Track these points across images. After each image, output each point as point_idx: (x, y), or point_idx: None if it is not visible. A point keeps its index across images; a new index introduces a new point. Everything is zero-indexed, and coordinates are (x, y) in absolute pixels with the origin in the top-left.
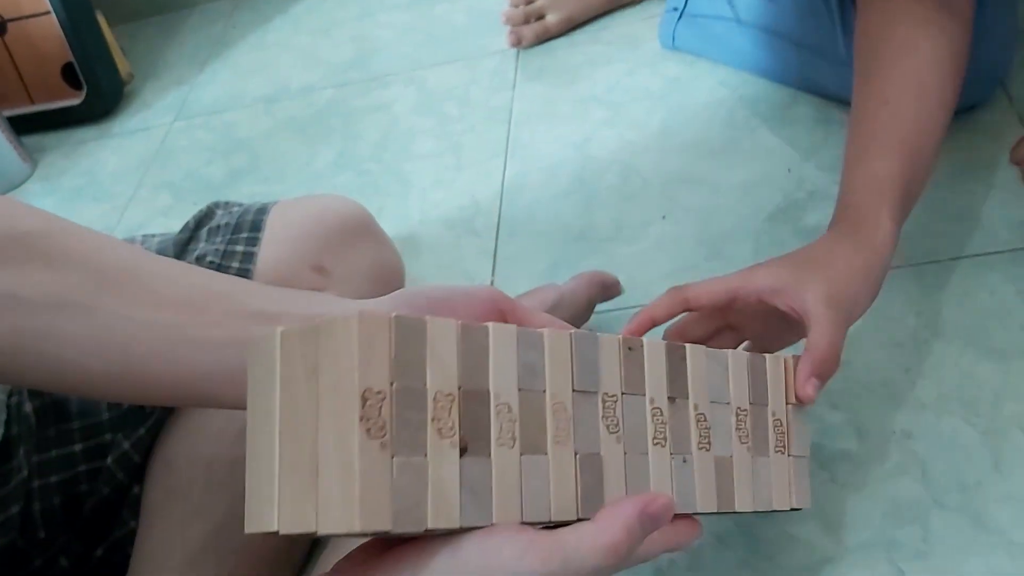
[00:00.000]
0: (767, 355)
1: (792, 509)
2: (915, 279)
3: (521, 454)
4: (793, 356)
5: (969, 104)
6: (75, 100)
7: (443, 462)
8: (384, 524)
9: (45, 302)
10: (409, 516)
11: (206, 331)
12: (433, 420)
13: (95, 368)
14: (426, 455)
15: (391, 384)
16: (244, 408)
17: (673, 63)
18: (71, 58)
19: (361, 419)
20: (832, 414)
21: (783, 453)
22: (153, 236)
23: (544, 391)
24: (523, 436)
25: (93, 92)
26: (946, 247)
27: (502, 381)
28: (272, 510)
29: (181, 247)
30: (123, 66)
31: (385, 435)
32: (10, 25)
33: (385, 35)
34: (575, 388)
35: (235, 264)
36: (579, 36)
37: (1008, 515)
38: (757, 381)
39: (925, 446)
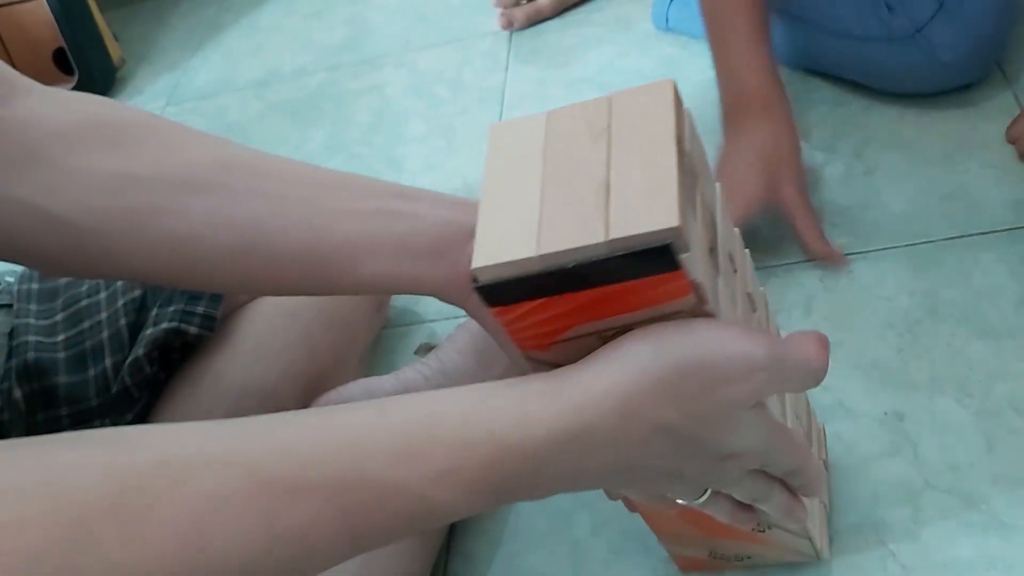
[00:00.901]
0: None
1: None
2: (908, 259)
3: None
4: None
5: (967, 82)
6: (67, 86)
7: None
8: (675, 221)
9: (168, 180)
10: (688, 232)
11: (348, 203)
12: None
13: (224, 244)
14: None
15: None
16: (374, 291)
17: (666, 44)
18: (62, 43)
19: (679, 151)
20: (823, 395)
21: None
22: None
23: None
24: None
25: (85, 77)
26: (940, 227)
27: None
28: (532, 239)
29: None
30: (115, 51)
31: (685, 173)
32: (0, 11)
33: (377, 17)
34: None
35: None
36: (571, 18)
37: (1000, 496)
38: None
39: (917, 427)
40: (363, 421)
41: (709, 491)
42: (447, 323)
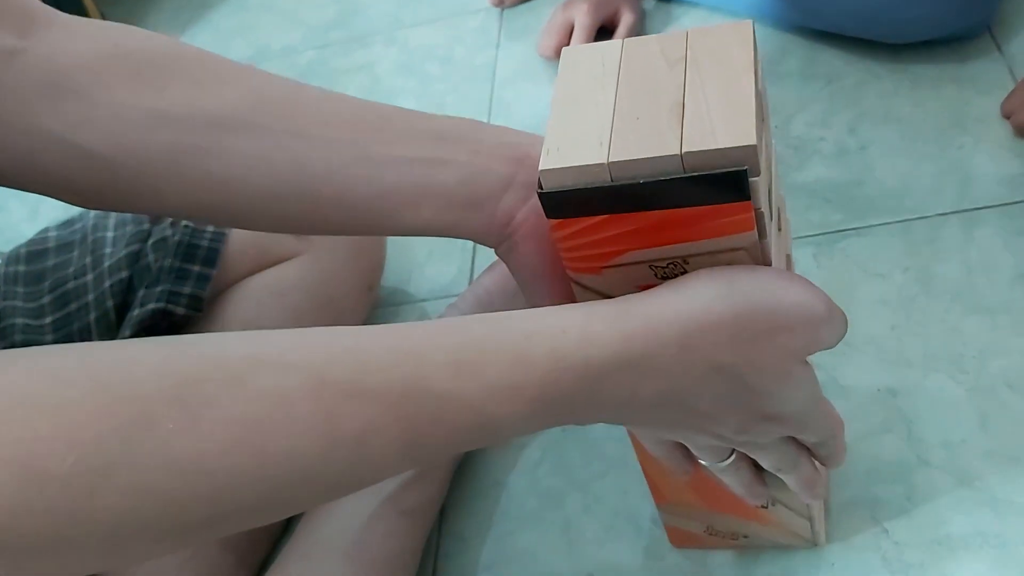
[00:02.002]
0: None
1: None
2: (903, 235)
3: None
4: None
5: (957, 32)
6: None
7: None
8: (752, 140)
9: (203, 119)
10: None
11: (387, 148)
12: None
13: (263, 186)
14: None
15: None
16: (413, 235)
17: (659, 18)
18: None
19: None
20: (816, 372)
21: None
22: None
23: None
24: None
25: None
26: (935, 202)
27: None
28: (602, 147)
29: (152, 222)
30: None
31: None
32: None
33: None
34: None
35: (210, 228)
36: None
37: (993, 472)
38: None
39: (910, 404)
40: (424, 333)
41: (734, 456)
42: (439, 302)
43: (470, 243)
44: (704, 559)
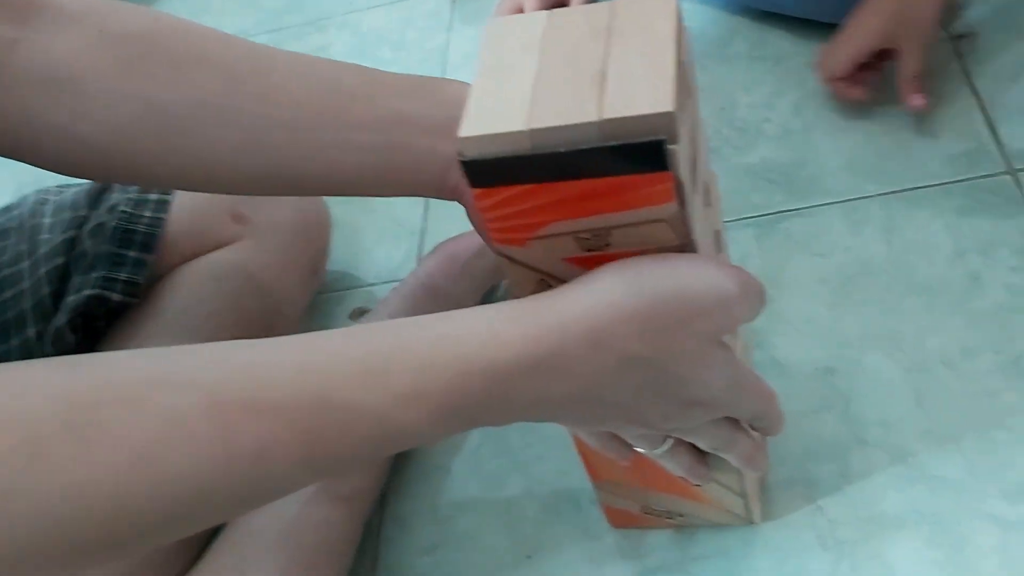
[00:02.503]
0: None
1: None
2: (843, 215)
3: None
4: None
5: None
6: None
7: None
8: (670, 106)
9: (185, 105)
10: (679, 127)
11: (357, 134)
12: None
13: (250, 170)
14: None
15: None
16: (397, 194)
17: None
18: None
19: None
20: (756, 352)
21: None
22: (69, 187)
23: None
24: None
25: None
26: (876, 183)
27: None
28: (522, 115)
29: (95, 196)
30: None
31: (682, 78)
32: None
33: None
34: None
35: (147, 214)
36: None
37: (927, 450)
38: None
39: (848, 383)
40: (328, 344)
41: (670, 442)
42: (386, 286)
43: (418, 226)
44: (642, 538)
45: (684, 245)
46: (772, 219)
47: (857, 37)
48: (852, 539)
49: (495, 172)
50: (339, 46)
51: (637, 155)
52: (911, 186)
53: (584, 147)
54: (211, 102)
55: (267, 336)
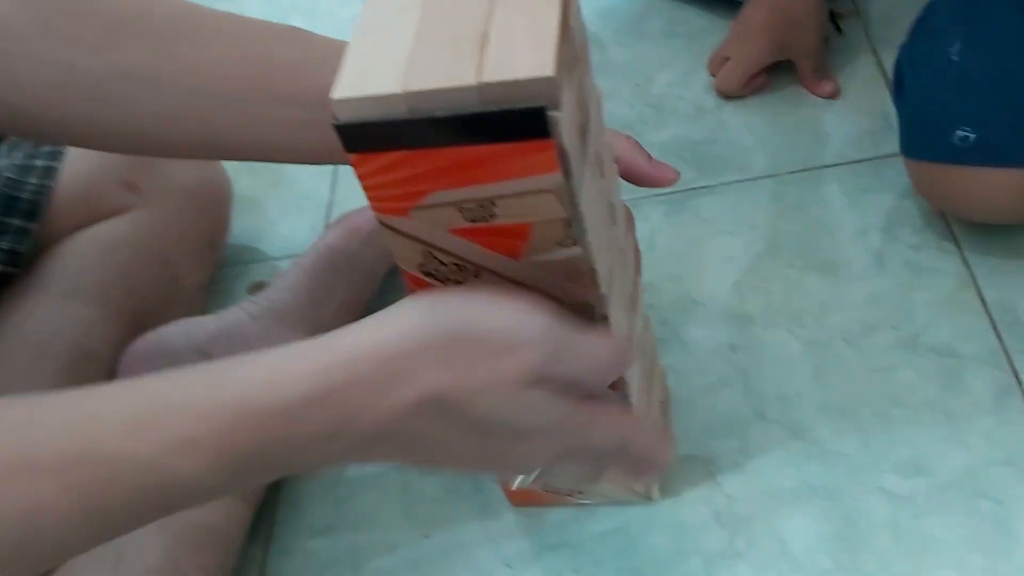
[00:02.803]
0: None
1: None
2: (752, 193)
3: None
4: None
5: None
6: None
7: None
8: (550, 71)
9: (113, 72)
10: (562, 94)
11: (278, 111)
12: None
13: (176, 137)
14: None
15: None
16: (329, 163)
17: None
18: None
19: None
20: (662, 329)
21: None
22: None
23: None
24: None
25: None
26: (785, 161)
27: None
28: (399, 77)
29: None
30: None
31: (567, 44)
32: None
33: None
34: None
35: (32, 181)
36: None
37: (825, 425)
38: None
39: (749, 359)
40: (100, 396)
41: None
42: (290, 260)
43: (325, 198)
44: (541, 516)
45: (571, 218)
46: (682, 196)
47: (747, 60)
48: (748, 514)
49: (370, 137)
50: (250, 13)
51: (517, 122)
52: (818, 164)
53: (462, 113)
54: (137, 72)
55: (165, 309)
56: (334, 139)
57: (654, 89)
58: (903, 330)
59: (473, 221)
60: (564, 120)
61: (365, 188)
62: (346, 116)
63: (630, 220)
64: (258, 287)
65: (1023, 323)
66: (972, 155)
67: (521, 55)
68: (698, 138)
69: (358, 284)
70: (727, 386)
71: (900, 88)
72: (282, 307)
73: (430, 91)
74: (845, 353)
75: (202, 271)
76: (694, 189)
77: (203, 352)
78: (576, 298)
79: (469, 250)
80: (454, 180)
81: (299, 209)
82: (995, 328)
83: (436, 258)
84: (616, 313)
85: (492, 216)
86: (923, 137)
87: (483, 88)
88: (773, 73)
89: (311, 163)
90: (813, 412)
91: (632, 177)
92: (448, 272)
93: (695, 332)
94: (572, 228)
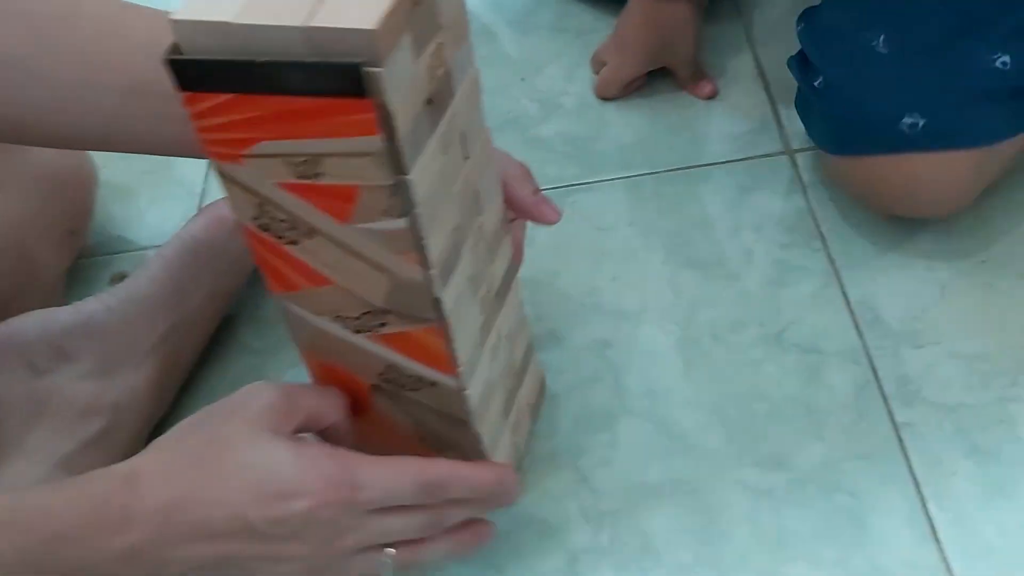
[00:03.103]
0: None
1: None
2: (630, 190)
3: None
4: None
5: None
6: None
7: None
8: (373, 24)
9: None
10: (389, 53)
11: (160, 105)
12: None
13: (55, 130)
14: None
15: None
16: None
17: None
18: None
19: None
20: (537, 325)
21: None
22: None
23: None
24: None
25: None
26: (664, 159)
27: None
28: (234, 7)
29: None
30: None
31: (417, 8)
32: None
33: None
34: None
35: None
36: None
37: (690, 420)
38: None
39: (621, 354)
40: None
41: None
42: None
43: (199, 187)
44: None
45: (396, 187)
46: (564, 192)
47: (625, 67)
48: (614, 510)
49: (199, 75)
50: None
51: (332, 76)
52: (696, 163)
53: (279, 59)
54: (16, 62)
55: (21, 299)
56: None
57: (540, 83)
58: (769, 327)
59: (301, 178)
60: (392, 81)
61: (197, 131)
62: (182, 39)
63: (519, 223)
64: (120, 278)
65: (883, 321)
66: (923, 141)
67: (355, 6)
68: (581, 134)
69: (225, 274)
70: (599, 381)
71: (817, 92)
72: (142, 299)
73: (258, 26)
74: (713, 349)
75: (62, 260)
76: (575, 185)
77: (56, 346)
78: (403, 273)
79: (299, 207)
80: (279, 131)
81: (171, 197)
82: (856, 325)
83: (269, 212)
84: (459, 301)
85: (319, 174)
86: (863, 132)
87: (311, 31)
88: (655, 73)
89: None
90: (680, 407)
91: (513, 206)
92: (282, 229)
93: (570, 328)
94: (398, 199)
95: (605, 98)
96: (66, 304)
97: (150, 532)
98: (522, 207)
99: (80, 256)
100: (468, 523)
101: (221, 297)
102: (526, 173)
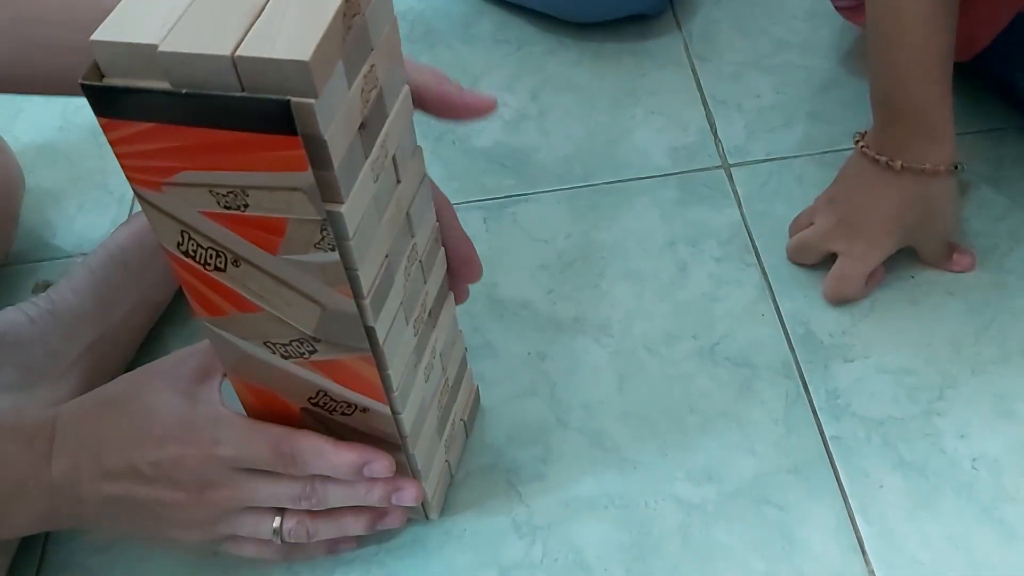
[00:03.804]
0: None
1: None
2: (569, 202)
3: None
4: None
5: (639, 11)
6: None
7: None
8: (306, 55)
9: None
10: (322, 82)
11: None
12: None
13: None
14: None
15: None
16: None
17: None
18: None
19: (346, 2)
20: (473, 336)
21: None
22: None
23: None
24: None
25: None
26: (602, 171)
27: None
28: (160, 32)
29: None
30: None
31: (351, 32)
32: None
33: None
34: None
35: None
36: None
37: (624, 433)
38: None
39: (556, 367)
40: None
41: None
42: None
43: (128, 193)
44: None
45: (329, 219)
46: (502, 203)
47: (873, 256)
48: (546, 524)
49: (117, 103)
50: None
51: (260, 111)
52: (634, 176)
53: (205, 92)
54: None
55: None
56: None
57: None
58: (702, 340)
59: (227, 208)
60: (326, 113)
61: (117, 156)
62: (103, 60)
63: (463, 236)
64: (44, 286)
65: (814, 335)
66: None
67: (287, 36)
68: (519, 145)
69: (152, 285)
70: (534, 394)
71: None
72: (64, 309)
73: (185, 55)
74: (647, 361)
75: None
76: (513, 196)
77: None
78: (334, 304)
79: (225, 236)
80: (203, 162)
81: (99, 203)
82: (788, 340)
83: (193, 239)
84: (393, 328)
85: (245, 206)
86: None
87: (238, 61)
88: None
89: None
90: (614, 420)
91: (447, 108)
92: (207, 256)
93: (506, 340)
94: (328, 232)
95: (851, 300)
96: None
97: (65, 468)
98: (457, 105)
99: (2, 263)
100: (367, 509)
101: (149, 308)
102: (441, 73)
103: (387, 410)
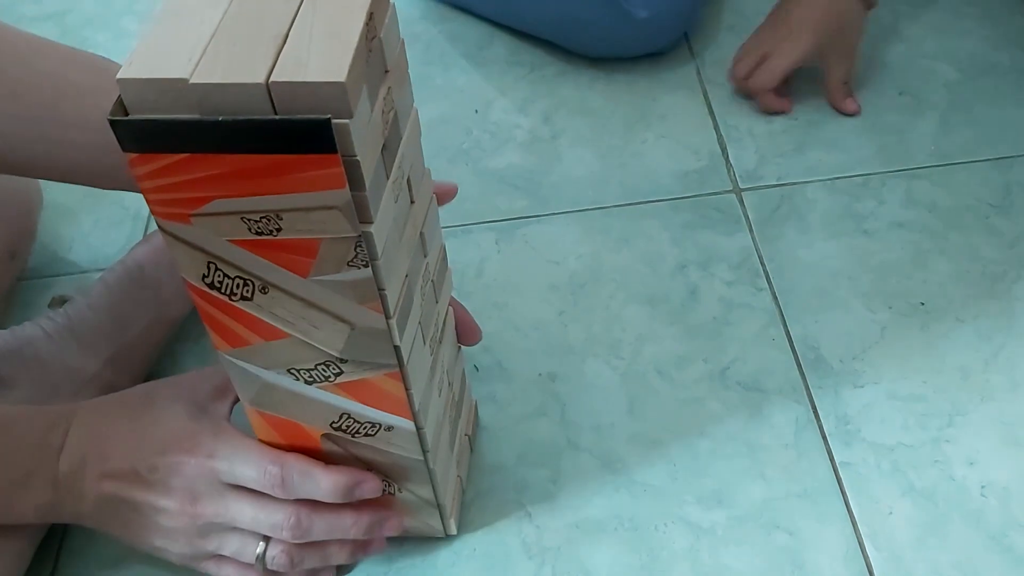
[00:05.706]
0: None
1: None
2: (580, 224)
3: None
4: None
5: (657, 48)
6: None
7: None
8: (341, 76)
9: None
10: (356, 104)
11: (62, 132)
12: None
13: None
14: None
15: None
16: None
17: None
18: None
19: (367, 25)
20: (483, 356)
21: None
22: None
23: None
24: None
25: None
26: (614, 193)
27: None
28: (188, 65)
29: None
30: None
31: (371, 54)
32: None
33: None
34: None
35: None
36: None
37: (634, 455)
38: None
39: (567, 388)
40: None
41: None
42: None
43: (143, 211)
44: None
45: (361, 238)
46: (514, 224)
47: (792, 53)
48: (556, 545)
49: (147, 135)
50: (78, 14)
51: (300, 132)
52: (645, 199)
53: (241, 119)
54: None
55: None
56: (120, 165)
57: (492, 115)
58: (713, 363)
59: (258, 234)
60: (358, 132)
61: (143, 191)
62: (130, 96)
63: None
64: (60, 301)
65: (824, 360)
66: None
67: (317, 59)
68: (532, 166)
69: (168, 302)
70: (544, 415)
71: None
72: (80, 325)
73: (218, 85)
74: (657, 384)
75: (2, 283)
76: (525, 218)
77: None
78: (364, 322)
79: (254, 263)
80: (237, 189)
81: (114, 220)
82: (799, 364)
83: (220, 270)
84: (415, 345)
85: (278, 230)
86: None
87: (272, 87)
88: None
89: (114, 188)
90: (624, 442)
91: None
92: (233, 286)
93: (518, 361)
94: (362, 249)
95: (765, 89)
96: (2, 328)
97: (72, 462)
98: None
99: (20, 278)
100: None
101: (164, 325)
102: None
103: (412, 426)
